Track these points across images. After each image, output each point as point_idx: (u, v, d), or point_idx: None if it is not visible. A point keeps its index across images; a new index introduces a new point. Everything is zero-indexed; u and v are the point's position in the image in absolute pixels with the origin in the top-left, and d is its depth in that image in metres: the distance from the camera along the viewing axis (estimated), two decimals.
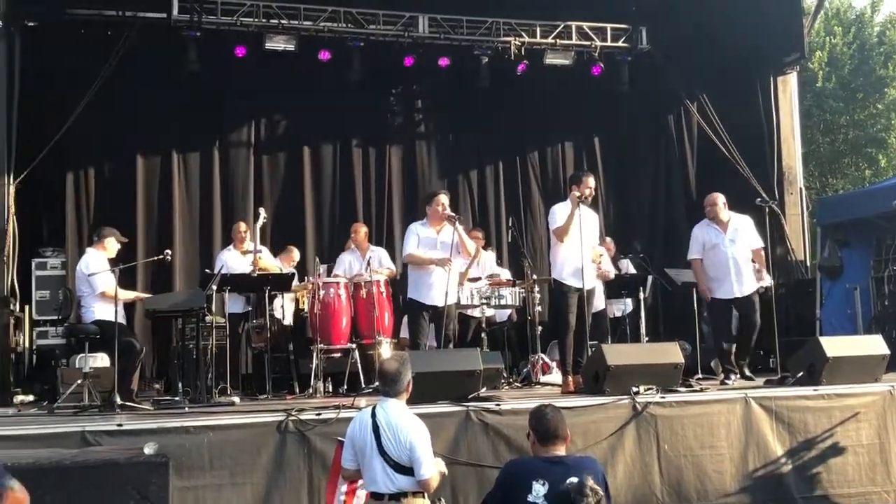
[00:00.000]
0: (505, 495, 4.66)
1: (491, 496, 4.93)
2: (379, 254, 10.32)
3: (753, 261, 9.38)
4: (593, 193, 8.89)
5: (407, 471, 4.97)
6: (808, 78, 23.20)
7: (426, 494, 5.03)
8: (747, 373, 9.07)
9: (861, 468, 7.70)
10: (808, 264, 13.35)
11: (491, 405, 7.10)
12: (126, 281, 9.16)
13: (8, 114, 10.47)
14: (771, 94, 13.28)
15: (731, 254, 9.19)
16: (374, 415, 5.10)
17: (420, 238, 8.92)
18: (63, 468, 5.08)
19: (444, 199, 9.03)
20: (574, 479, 4.43)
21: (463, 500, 6.70)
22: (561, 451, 4.70)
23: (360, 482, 5.30)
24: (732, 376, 9.02)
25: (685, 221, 13.20)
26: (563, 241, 8.60)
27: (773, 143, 13.13)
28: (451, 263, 8.77)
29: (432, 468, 5.02)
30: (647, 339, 10.29)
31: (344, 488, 5.45)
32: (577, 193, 8.58)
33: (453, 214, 8.93)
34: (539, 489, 4.49)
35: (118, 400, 7.73)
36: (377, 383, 5.66)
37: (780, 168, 13.15)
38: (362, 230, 10.58)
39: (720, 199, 9.38)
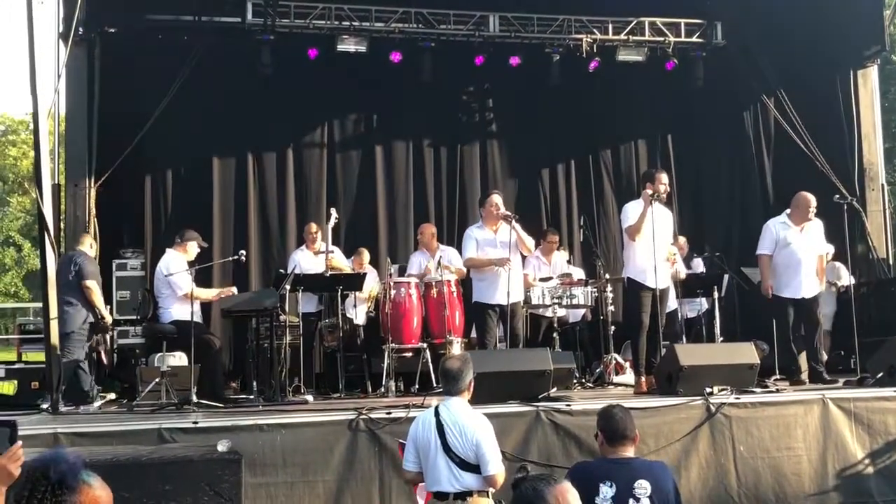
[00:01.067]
0: None
1: None
2: (449, 253, 10.32)
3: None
4: (668, 190, 8.76)
5: (473, 468, 4.98)
6: (893, 71, 22.58)
7: (490, 494, 5.03)
8: (825, 376, 8.82)
9: None
10: (891, 262, 13.00)
11: (561, 405, 7.07)
12: (202, 281, 9.33)
13: (88, 118, 10.79)
14: (851, 88, 12.96)
15: (803, 255, 9.01)
16: (437, 413, 5.11)
17: (478, 241, 9.02)
18: (140, 464, 5.21)
19: (497, 199, 9.09)
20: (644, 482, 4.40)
21: None
22: (629, 452, 4.65)
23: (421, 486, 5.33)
24: (801, 375, 8.93)
25: (762, 219, 12.87)
26: (636, 239, 8.51)
27: (853, 138, 12.81)
28: (511, 262, 8.77)
29: (499, 465, 5.03)
30: (721, 339, 10.12)
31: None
32: (650, 191, 8.48)
33: (509, 213, 8.97)
34: (607, 491, 4.44)
35: (195, 398, 7.88)
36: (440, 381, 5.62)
37: (860, 164, 12.83)
38: (429, 231, 10.59)
39: (814, 202, 9.15)
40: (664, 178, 8.71)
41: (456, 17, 12.02)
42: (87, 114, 10.77)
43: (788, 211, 9.22)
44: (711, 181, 13.42)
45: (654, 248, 8.33)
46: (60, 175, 11.10)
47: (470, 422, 5.07)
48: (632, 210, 8.64)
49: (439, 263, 9.55)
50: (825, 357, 8.98)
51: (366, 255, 11.03)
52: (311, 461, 6.53)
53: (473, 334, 10.07)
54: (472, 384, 5.27)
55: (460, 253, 9.65)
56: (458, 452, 4.98)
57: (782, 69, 12.95)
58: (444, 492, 4.99)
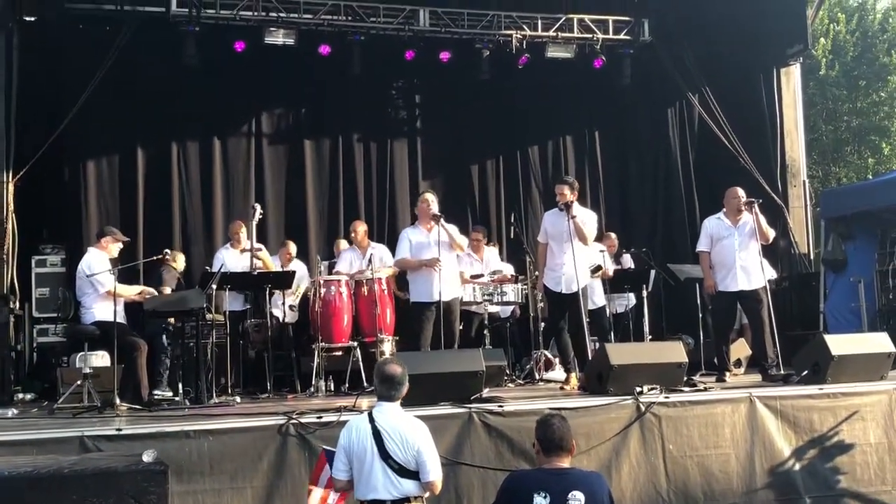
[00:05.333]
0: None
1: None
2: (380, 251, 10.22)
3: None
4: (564, 200, 8.69)
5: (411, 475, 4.92)
6: (812, 66, 23.07)
7: (425, 499, 4.99)
8: (771, 373, 8.73)
9: (870, 467, 7.60)
10: (812, 257, 13.29)
11: (493, 406, 7.03)
12: (125, 280, 9.08)
13: (6, 110, 10.45)
14: (774, 87, 13.23)
15: (739, 249, 9.04)
16: (371, 420, 5.03)
17: (412, 243, 8.94)
18: (61, 477, 5.01)
19: (429, 196, 9.06)
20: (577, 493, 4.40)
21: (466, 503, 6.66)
22: (565, 463, 4.64)
23: (332, 497, 5.26)
24: (727, 375, 9.05)
25: (686, 216, 13.16)
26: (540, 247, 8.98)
27: (776, 135, 13.09)
28: (441, 263, 8.70)
29: (439, 471, 5.00)
30: (650, 336, 10.22)
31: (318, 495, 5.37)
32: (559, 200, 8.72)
33: (437, 213, 8.89)
34: (540, 501, 4.43)
35: (118, 401, 7.69)
36: (375, 385, 5.41)
37: (783, 161, 13.11)
38: (360, 228, 10.44)
39: (741, 193, 9.22)
40: (558, 188, 8.85)
41: (386, 10, 11.87)
42: (5, 105, 10.41)
43: (725, 209, 9.32)
44: (637, 178, 13.54)
45: (567, 253, 8.53)
46: None
47: (409, 428, 5.01)
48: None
49: (370, 261, 9.46)
50: (773, 353, 8.87)
51: (292, 247, 10.84)
52: (240, 467, 6.38)
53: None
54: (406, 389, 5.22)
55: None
56: (397, 459, 4.91)
57: (707, 67, 13.13)
58: (380, 500, 4.92)
